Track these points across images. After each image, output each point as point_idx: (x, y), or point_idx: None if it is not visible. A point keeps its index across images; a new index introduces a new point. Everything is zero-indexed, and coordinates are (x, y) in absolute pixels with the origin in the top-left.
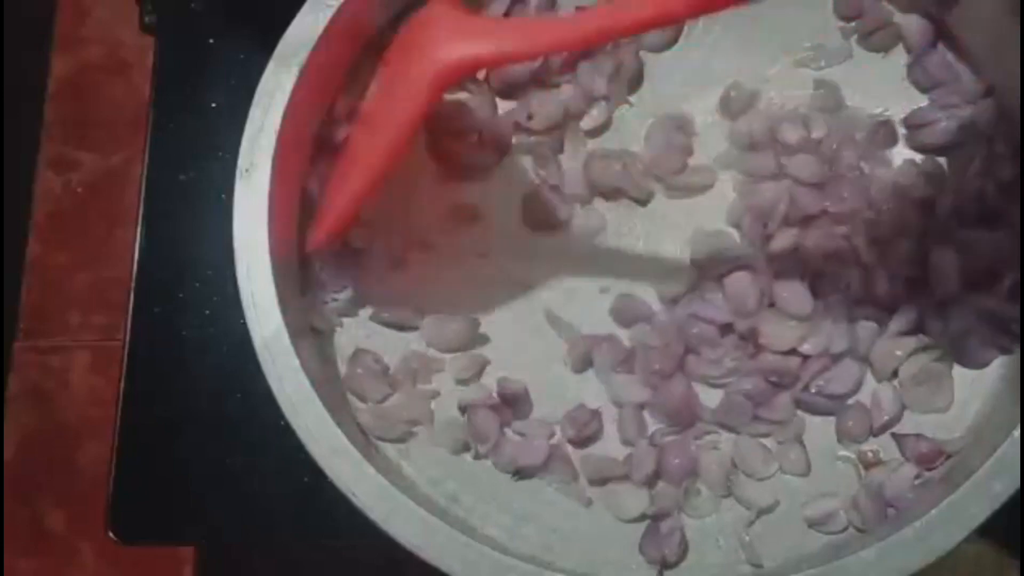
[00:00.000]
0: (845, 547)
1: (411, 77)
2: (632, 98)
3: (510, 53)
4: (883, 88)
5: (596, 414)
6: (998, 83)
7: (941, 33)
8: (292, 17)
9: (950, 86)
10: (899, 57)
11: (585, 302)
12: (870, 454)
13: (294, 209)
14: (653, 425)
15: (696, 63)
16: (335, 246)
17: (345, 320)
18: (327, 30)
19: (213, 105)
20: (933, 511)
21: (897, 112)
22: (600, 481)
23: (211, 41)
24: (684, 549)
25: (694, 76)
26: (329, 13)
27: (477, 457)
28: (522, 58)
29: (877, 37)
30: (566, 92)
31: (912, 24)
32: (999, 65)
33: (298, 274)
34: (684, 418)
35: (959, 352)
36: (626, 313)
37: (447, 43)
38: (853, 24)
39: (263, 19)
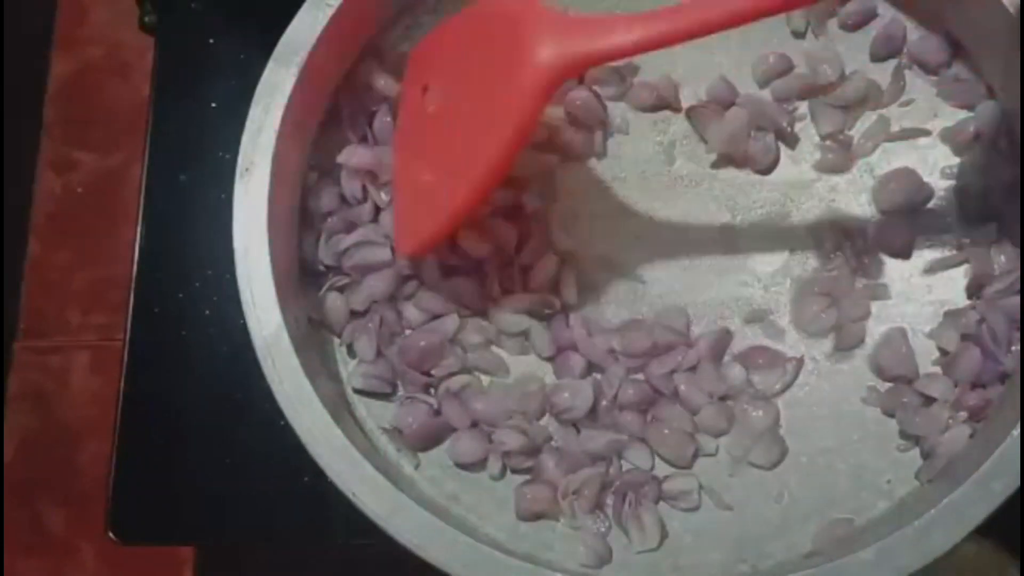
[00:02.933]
0: (845, 547)
1: (514, 82)
2: None
3: (617, 49)
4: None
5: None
6: (999, 85)
7: (949, 42)
8: (292, 17)
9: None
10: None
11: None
12: None
13: (294, 209)
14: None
15: None
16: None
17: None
18: (327, 30)
19: (213, 105)
20: (933, 511)
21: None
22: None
23: (211, 41)
24: None
25: None
26: (329, 13)
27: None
28: (629, 53)
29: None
30: None
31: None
32: (1000, 66)
33: (298, 274)
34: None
35: None
36: None
37: (551, 43)
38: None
39: (263, 19)
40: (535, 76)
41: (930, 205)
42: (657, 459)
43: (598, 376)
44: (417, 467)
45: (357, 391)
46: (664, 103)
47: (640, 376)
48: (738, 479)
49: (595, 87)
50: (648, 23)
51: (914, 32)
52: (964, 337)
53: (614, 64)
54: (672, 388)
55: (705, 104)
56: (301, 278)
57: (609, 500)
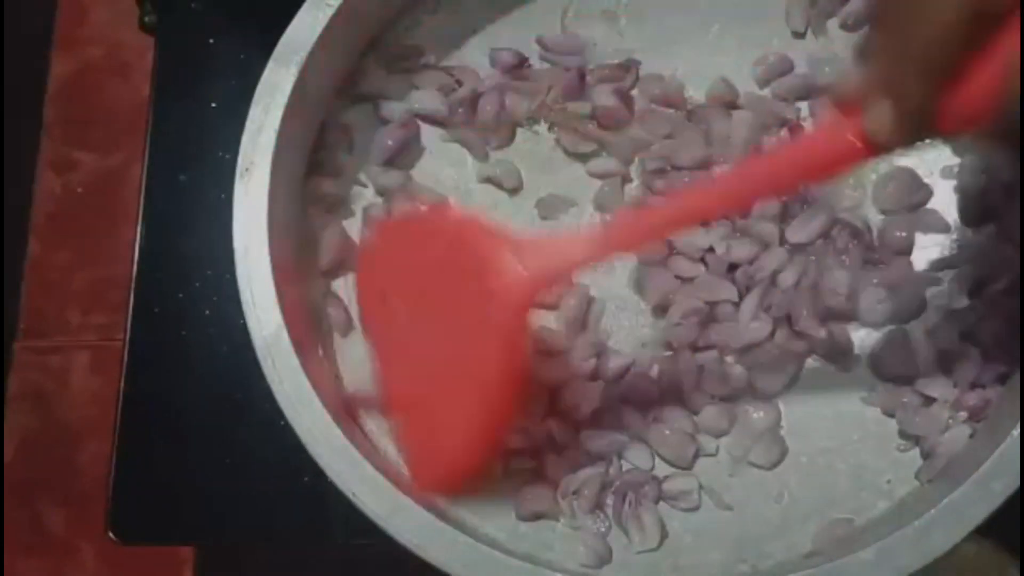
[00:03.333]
0: (845, 547)
1: (494, 305)
2: None
3: (583, 260)
4: None
5: None
6: None
7: None
8: (292, 17)
9: None
10: None
11: None
12: None
13: (294, 209)
14: None
15: None
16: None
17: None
18: (327, 30)
19: (213, 105)
20: (933, 511)
21: None
22: None
23: (211, 41)
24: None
25: None
26: (329, 13)
27: None
28: (599, 259)
29: None
30: None
31: None
32: None
33: (298, 273)
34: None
35: None
36: None
37: (521, 266)
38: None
39: (263, 19)
40: (513, 298)
41: (930, 205)
42: (657, 459)
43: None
44: None
45: None
46: (670, 103)
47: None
48: (738, 479)
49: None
50: (604, 235)
51: None
52: (963, 337)
53: (619, 62)
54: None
55: (708, 105)
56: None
57: (609, 500)
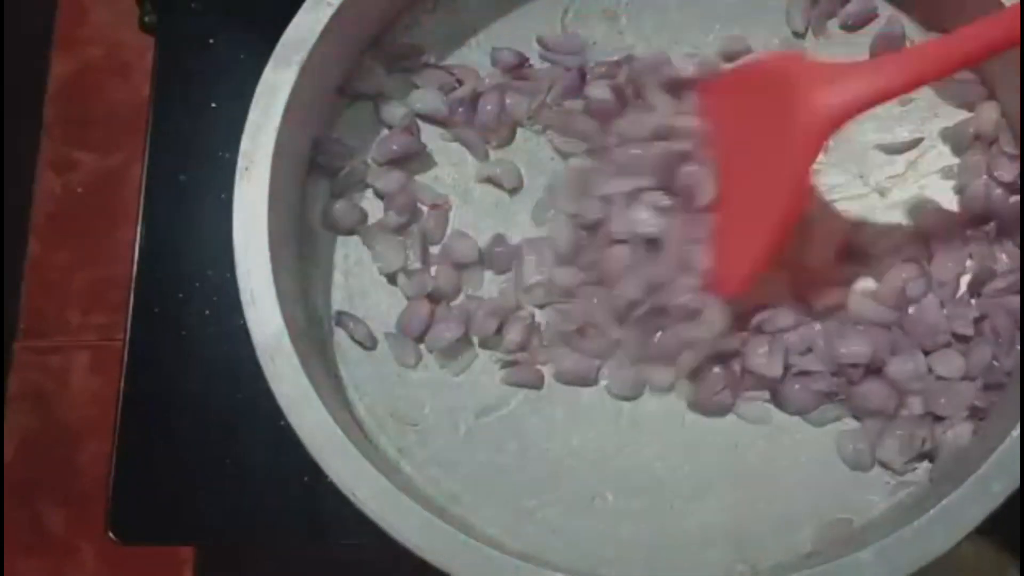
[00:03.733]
0: (845, 547)
1: (797, 128)
2: None
3: (889, 88)
4: None
5: None
6: (999, 86)
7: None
8: (292, 17)
9: None
10: None
11: None
12: None
13: (294, 209)
14: None
15: None
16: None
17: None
18: (327, 30)
19: (213, 105)
20: (933, 511)
21: None
22: None
23: (211, 41)
24: None
25: None
26: (329, 12)
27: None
28: (900, 92)
29: None
30: None
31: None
32: (1000, 66)
33: (298, 274)
34: None
35: None
36: None
37: (827, 89)
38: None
39: (263, 19)
40: (815, 121)
41: (930, 205)
42: None
43: None
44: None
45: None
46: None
47: None
48: (738, 478)
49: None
50: (911, 61)
51: (914, 32)
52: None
53: (617, 58)
54: None
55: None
56: (301, 277)
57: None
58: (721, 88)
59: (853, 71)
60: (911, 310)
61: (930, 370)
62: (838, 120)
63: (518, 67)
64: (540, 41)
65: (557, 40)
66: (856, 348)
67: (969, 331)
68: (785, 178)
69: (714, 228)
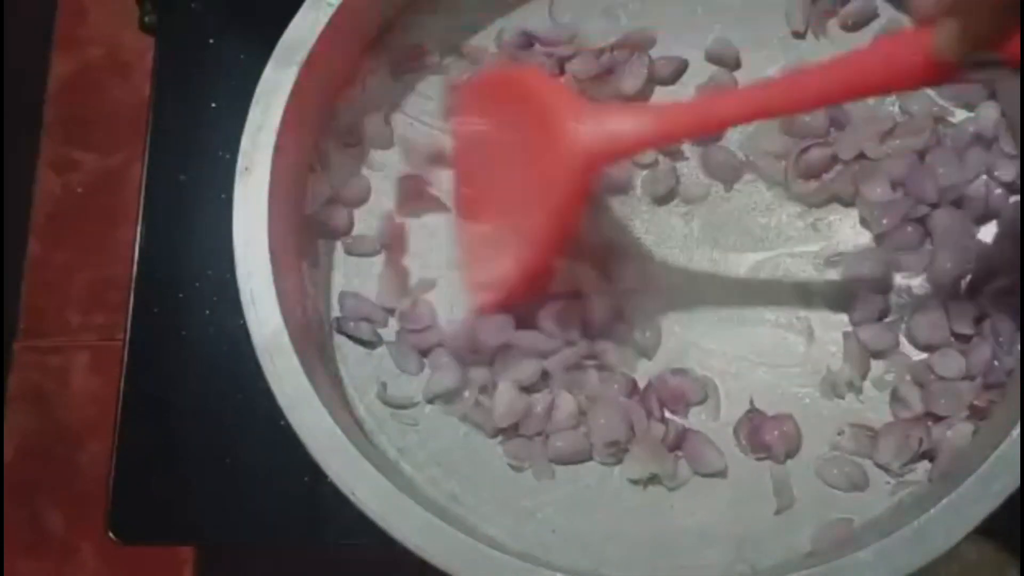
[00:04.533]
0: (845, 547)
1: (562, 161)
2: None
3: (656, 135)
4: None
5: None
6: (999, 86)
7: None
8: (292, 17)
9: None
10: None
11: None
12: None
13: (294, 209)
14: None
15: None
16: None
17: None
18: (327, 30)
19: (213, 105)
20: (933, 510)
21: None
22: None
23: (211, 41)
24: None
25: None
26: (329, 12)
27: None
28: (668, 141)
29: None
30: None
31: None
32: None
33: (298, 273)
34: None
35: None
36: None
37: (587, 130)
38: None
39: (263, 19)
40: (580, 155)
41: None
42: None
43: None
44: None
45: None
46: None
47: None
48: (738, 478)
49: None
50: (676, 114)
51: None
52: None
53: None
54: None
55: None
56: (301, 275)
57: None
58: (483, 89)
59: (618, 113)
60: None
61: (930, 370)
62: (599, 161)
63: (527, 48)
64: (536, 35)
65: (548, 31)
66: None
67: (969, 331)
68: (548, 209)
69: (481, 225)
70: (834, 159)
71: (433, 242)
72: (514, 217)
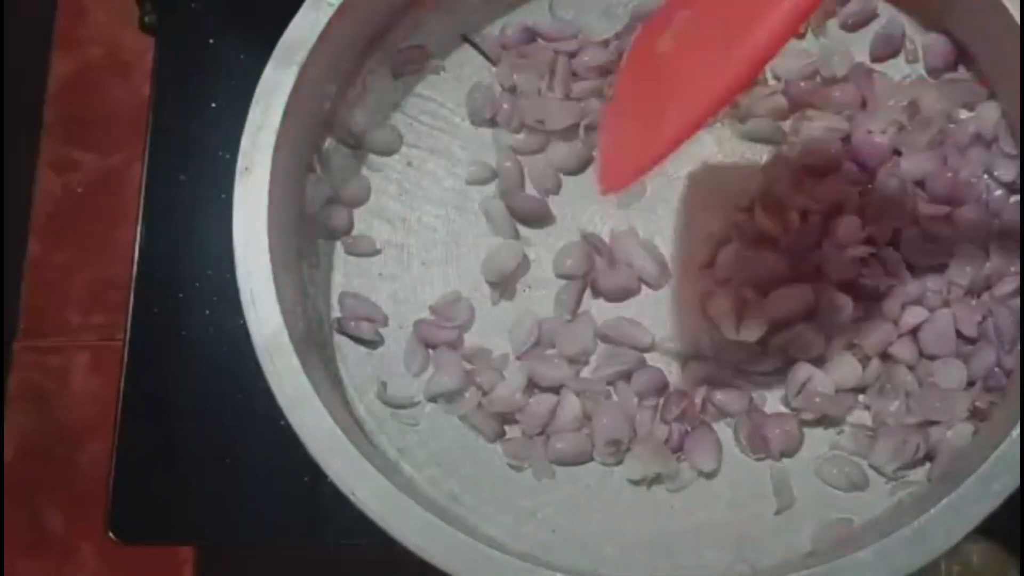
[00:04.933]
0: (844, 547)
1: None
2: None
3: None
4: None
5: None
6: (999, 86)
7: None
8: (292, 17)
9: None
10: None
11: None
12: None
13: (294, 209)
14: None
15: None
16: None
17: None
18: (327, 30)
19: (213, 105)
20: (933, 510)
21: None
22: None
23: (211, 41)
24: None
25: None
26: (329, 12)
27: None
28: None
29: None
30: None
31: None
32: (1000, 66)
33: (298, 273)
34: None
35: None
36: None
37: None
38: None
39: (263, 19)
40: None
41: None
42: None
43: None
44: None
45: None
46: None
47: None
48: (738, 477)
49: None
50: None
51: (914, 32)
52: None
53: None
54: None
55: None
56: (301, 277)
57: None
58: None
59: None
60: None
61: (932, 380)
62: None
63: (530, 42)
64: (535, 30)
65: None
66: None
67: (973, 333)
68: (733, 53)
69: (629, 119)
70: None
71: (434, 237)
72: (680, 88)
